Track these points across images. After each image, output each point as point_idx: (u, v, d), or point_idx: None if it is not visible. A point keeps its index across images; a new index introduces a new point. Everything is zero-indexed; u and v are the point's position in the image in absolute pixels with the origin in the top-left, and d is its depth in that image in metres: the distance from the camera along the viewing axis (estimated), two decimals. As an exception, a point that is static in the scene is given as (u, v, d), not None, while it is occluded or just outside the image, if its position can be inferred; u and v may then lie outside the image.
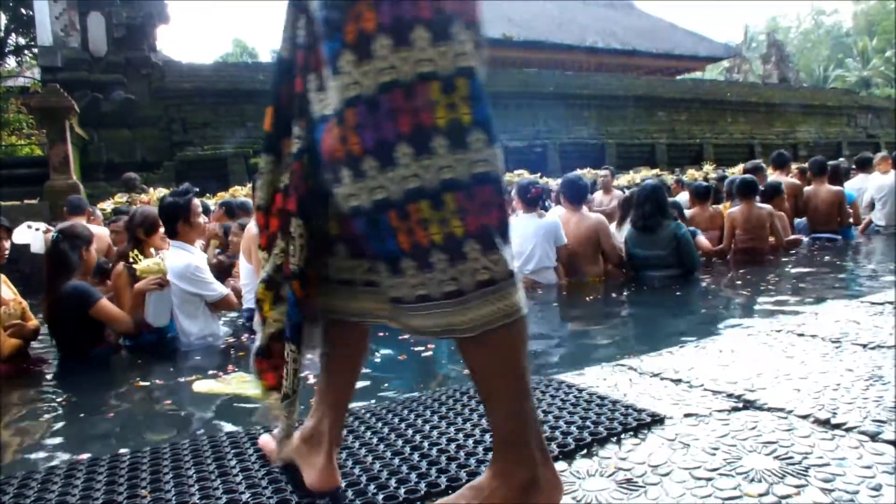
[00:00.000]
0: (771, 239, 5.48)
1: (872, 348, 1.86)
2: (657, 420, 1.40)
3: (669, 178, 10.25)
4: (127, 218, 4.10)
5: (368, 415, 1.61)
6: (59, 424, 2.47)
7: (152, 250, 3.56)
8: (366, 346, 1.23)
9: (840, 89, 26.93)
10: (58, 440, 2.29)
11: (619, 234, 5.39)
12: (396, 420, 1.54)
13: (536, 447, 0.98)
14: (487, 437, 1.37)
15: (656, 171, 11.66)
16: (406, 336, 3.47)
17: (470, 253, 0.88)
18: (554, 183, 9.41)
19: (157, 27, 12.25)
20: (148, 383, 2.93)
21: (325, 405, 1.21)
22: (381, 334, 3.62)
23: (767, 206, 5.58)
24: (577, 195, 4.96)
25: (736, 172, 10.92)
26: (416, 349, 3.23)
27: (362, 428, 1.51)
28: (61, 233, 3.34)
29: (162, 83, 11.78)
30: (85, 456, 1.54)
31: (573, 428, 1.37)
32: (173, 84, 11.86)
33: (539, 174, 10.72)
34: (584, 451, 1.27)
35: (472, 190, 0.88)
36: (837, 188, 6.66)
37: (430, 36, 0.84)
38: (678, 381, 1.68)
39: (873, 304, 2.48)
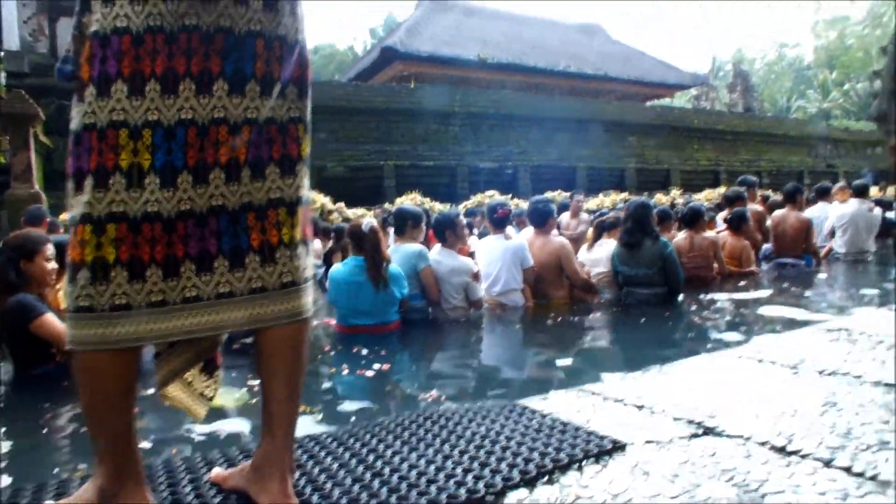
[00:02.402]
0: (716, 266, 5.58)
1: (829, 374, 1.90)
2: (619, 447, 1.41)
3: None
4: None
5: (330, 440, 1.59)
6: (5, 448, 2.38)
7: None
8: (279, 360, 1.20)
9: (801, 120, 27.77)
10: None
11: (590, 255, 5.45)
12: (358, 445, 1.52)
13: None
14: (449, 463, 1.36)
15: (625, 195, 11.84)
16: (366, 352, 3.46)
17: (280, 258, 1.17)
18: (525, 205, 9.49)
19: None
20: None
21: (270, 429, 1.20)
22: (328, 351, 3.59)
23: (712, 235, 5.69)
24: (538, 219, 5.00)
25: (702, 199, 11.15)
26: (378, 367, 3.22)
27: (323, 454, 1.49)
28: (4, 244, 3.24)
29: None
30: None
31: (535, 454, 1.37)
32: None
33: (510, 195, 10.81)
34: (546, 478, 1.27)
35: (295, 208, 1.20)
36: (806, 216, 6.82)
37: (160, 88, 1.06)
38: (641, 407, 1.70)
39: (829, 330, 2.54)
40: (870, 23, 48.58)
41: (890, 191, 12.08)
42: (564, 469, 1.31)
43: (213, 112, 1.09)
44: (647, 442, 1.44)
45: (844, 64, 44.29)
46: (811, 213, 7.73)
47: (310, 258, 1.25)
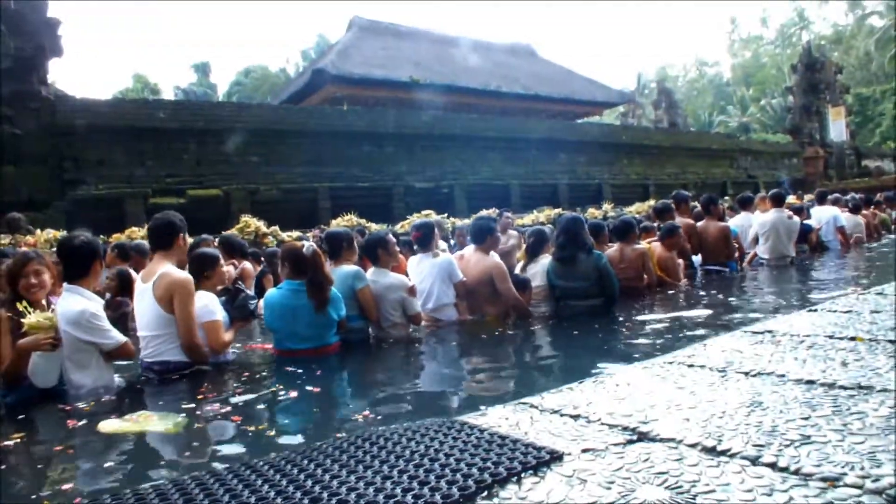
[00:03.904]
0: (646, 276, 5.76)
1: (754, 376, 1.98)
2: (556, 457, 1.42)
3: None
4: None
5: (267, 467, 1.54)
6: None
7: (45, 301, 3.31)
8: None
9: (723, 134, 29.08)
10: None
11: (526, 272, 5.51)
12: (296, 471, 1.49)
13: None
14: (389, 484, 1.34)
15: (558, 210, 12.09)
16: (304, 375, 3.40)
17: None
18: (462, 223, 9.58)
19: (50, 60, 11.66)
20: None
21: None
22: (264, 375, 3.51)
23: (642, 246, 5.86)
24: (476, 235, 5.07)
25: (633, 211, 11.49)
26: (316, 390, 3.17)
27: (259, 481, 1.44)
28: None
29: (53, 118, 11.19)
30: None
31: (474, 470, 1.37)
32: (66, 119, 11.28)
33: (446, 214, 10.88)
34: (485, 492, 1.27)
35: None
36: (724, 224, 7.14)
37: None
38: (577, 417, 1.72)
39: (754, 333, 2.65)
40: (780, 42, 51.68)
41: (806, 198, 12.77)
42: (503, 482, 1.31)
43: None
44: (584, 451, 1.46)
45: (759, 81, 46.89)
46: (735, 222, 8.11)
47: None
